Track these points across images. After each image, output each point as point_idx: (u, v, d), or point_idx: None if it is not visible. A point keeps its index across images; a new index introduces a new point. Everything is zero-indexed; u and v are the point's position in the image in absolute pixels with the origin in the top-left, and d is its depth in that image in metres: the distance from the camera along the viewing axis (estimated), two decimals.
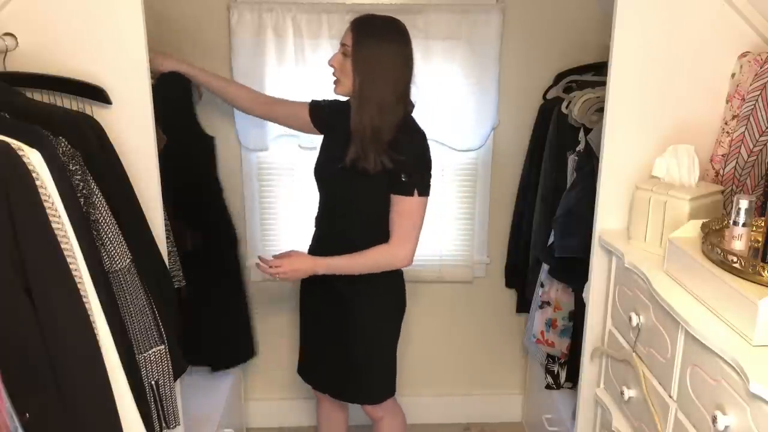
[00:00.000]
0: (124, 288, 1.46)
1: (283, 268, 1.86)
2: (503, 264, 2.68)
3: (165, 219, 1.77)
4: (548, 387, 2.37)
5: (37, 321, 1.10)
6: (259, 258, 1.91)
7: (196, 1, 2.32)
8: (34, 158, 1.16)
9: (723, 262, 1.28)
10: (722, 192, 1.66)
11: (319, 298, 2.02)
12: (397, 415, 2.14)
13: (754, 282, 1.21)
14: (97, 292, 1.25)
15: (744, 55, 1.68)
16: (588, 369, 1.89)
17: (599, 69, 2.29)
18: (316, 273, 1.88)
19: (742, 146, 1.65)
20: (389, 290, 1.99)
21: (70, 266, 1.17)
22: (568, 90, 2.36)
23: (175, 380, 1.63)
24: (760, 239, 1.32)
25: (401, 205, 1.82)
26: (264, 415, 2.80)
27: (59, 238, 1.16)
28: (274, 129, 2.40)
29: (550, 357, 2.34)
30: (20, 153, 1.13)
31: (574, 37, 2.41)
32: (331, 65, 1.82)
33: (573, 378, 2.24)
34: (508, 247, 2.65)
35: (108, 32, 1.59)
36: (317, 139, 2.14)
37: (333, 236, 1.95)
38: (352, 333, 1.96)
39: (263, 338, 2.70)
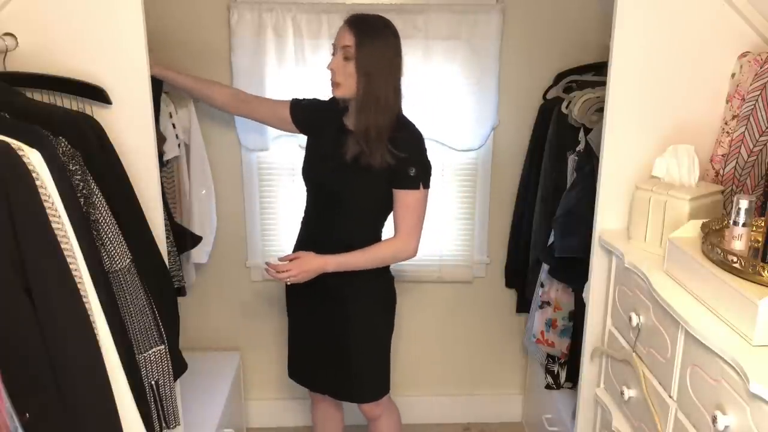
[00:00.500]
0: (124, 288, 1.46)
1: (293, 271, 1.84)
2: (503, 264, 2.68)
3: (165, 219, 1.77)
4: (548, 387, 2.37)
5: (37, 321, 1.11)
6: (267, 263, 1.89)
7: (196, 1, 2.32)
8: (34, 158, 1.16)
9: (723, 262, 1.28)
10: (722, 192, 1.66)
11: (307, 297, 1.99)
12: (392, 413, 2.14)
13: (754, 282, 1.21)
14: (97, 292, 1.26)
15: (744, 55, 1.68)
16: (588, 369, 1.89)
17: (599, 69, 2.29)
18: (326, 271, 1.86)
19: (742, 146, 1.65)
20: (379, 284, 1.98)
21: (70, 266, 1.17)
22: (568, 90, 2.36)
23: (175, 380, 1.63)
24: (760, 239, 1.32)
25: (408, 199, 1.83)
26: (264, 415, 2.80)
27: (59, 238, 1.16)
28: (274, 129, 2.40)
29: (550, 357, 2.34)
30: (20, 153, 1.13)
31: (574, 37, 2.41)
32: (331, 69, 1.80)
33: (573, 378, 2.24)
34: (508, 247, 2.65)
35: (108, 32, 1.59)
36: None
37: (325, 236, 1.93)
38: (346, 330, 1.95)
39: (263, 338, 2.69)
